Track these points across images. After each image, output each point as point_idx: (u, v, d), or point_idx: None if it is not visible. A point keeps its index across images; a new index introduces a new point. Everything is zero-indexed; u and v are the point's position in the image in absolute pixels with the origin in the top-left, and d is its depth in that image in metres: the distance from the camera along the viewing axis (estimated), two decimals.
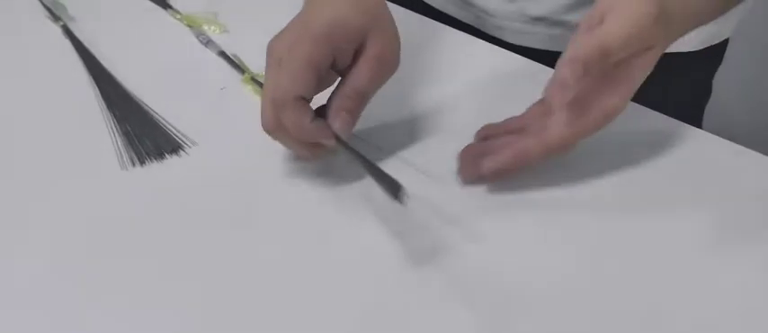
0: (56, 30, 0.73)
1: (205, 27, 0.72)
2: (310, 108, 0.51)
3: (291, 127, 0.51)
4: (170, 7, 0.75)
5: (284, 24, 0.53)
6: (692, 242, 0.50)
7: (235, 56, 0.67)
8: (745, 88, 1.43)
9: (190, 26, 0.72)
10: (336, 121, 0.52)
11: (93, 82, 0.65)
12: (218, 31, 0.71)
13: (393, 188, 0.47)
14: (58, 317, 0.46)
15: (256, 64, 0.65)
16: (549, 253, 0.49)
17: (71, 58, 0.69)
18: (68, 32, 0.72)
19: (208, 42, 0.70)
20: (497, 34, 0.76)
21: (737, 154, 0.57)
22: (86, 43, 0.70)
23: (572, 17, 0.73)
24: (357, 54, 0.53)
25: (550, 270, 0.48)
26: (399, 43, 0.54)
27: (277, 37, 0.53)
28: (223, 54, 0.68)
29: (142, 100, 0.63)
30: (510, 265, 0.48)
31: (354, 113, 0.53)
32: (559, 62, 0.47)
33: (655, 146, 0.57)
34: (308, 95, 0.51)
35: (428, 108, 0.61)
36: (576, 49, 0.47)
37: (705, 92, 0.84)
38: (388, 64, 0.54)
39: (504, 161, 0.52)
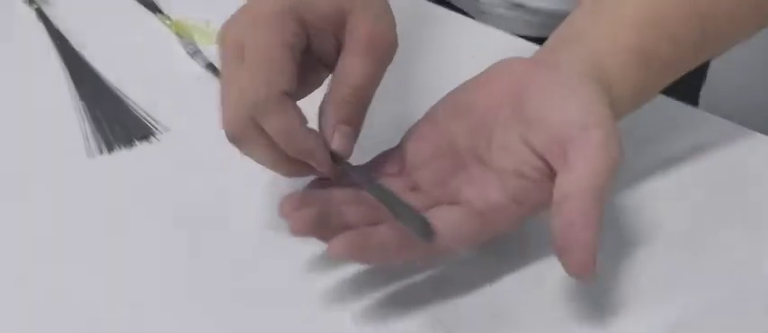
0: (29, 12, 0.71)
1: (196, 37, 0.65)
2: (299, 109, 0.42)
3: (278, 133, 0.41)
4: (159, 12, 0.69)
5: None
6: (687, 223, 0.48)
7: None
8: (742, 66, 1.41)
9: (179, 35, 0.66)
10: (334, 138, 0.43)
11: (65, 66, 0.63)
12: (208, 42, 0.65)
13: (417, 224, 0.40)
14: (21, 305, 0.44)
15: None
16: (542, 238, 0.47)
17: (43, 41, 0.66)
18: (42, 15, 0.70)
19: (195, 53, 0.64)
20: (481, 19, 0.74)
21: (735, 133, 0.55)
22: (60, 27, 0.68)
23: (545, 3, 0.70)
24: (341, 41, 0.44)
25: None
26: (393, 18, 0.45)
27: (229, 23, 0.44)
28: (212, 67, 0.61)
29: (115, 85, 0.61)
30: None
31: (355, 122, 0.43)
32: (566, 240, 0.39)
33: (652, 125, 0.55)
34: (291, 90, 0.42)
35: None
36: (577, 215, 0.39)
37: (701, 69, 0.81)
38: (383, 46, 0.44)
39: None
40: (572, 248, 0.38)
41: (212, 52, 0.63)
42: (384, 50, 0.44)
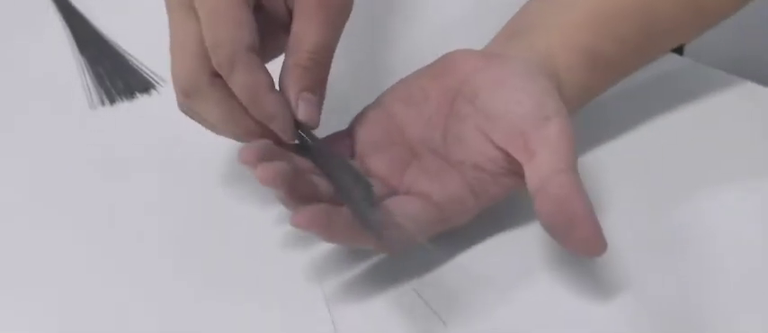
0: None
1: None
2: (266, 68, 0.41)
3: (245, 90, 0.40)
4: None
5: None
6: (674, 173, 0.50)
7: None
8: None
9: None
10: (300, 107, 0.41)
11: (66, 22, 0.64)
12: None
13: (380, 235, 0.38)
14: (23, 251, 0.46)
15: None
16: None
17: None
18: None
19: None
20: None
21: (720, 81, 0.56)
22: None
23: None
24: (290, 3, 0.43)
25: None
26: None
27: None
28: None
29: (114, 40, 0.62)
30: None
31: (318, 89, 0.42)
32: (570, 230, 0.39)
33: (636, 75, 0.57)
34: (256, 46, 0.40)
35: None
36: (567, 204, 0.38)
37: None
38: (334, 7, 0.42)
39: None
40: (572, 226, 0.38)
41: None
42: (336, 12, 0.42)
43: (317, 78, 0.42)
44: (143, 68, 0.59)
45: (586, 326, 0.41)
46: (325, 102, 0.43)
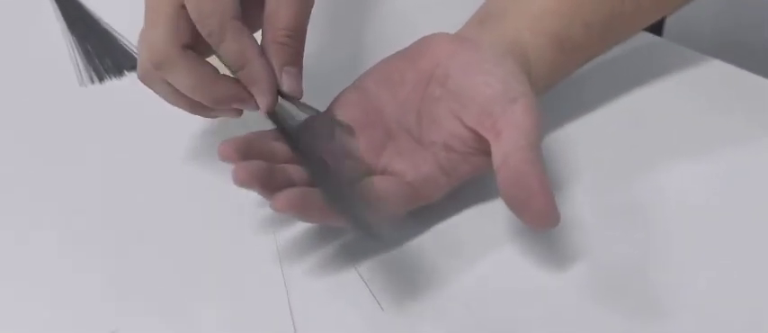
0: None
1: None
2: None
3: (235, 56, 0.43)
4: None
5: None
6: (652, 155, 0.52)
7: None
8: None
9: None
10: (284, 81, 0.44)
11: (55, 1, 0.66)
12: None
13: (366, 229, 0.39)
14: (11, 226, 0.48)
15: None
16: None
17: None
18: None
19: None
20: None
21: (698, 62, 0.58)
22: None
23: None
24: None
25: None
26: None
27: None
28: None
29: (102, 18, 0.64)
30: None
31: (297, 62, 0.45)
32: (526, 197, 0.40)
33: (615, 56, 0.59)
34: (240, 15, 0.42)
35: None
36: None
37: None
38: None
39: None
40: (528, 198, 0.39)
41: None
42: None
43: (294, 52, 0.44)
44: (131, 46, 0.61)
45: (546, 294, 0.43)
46: (307, 86, 0.45)
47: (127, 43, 0.61)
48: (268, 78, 0.43)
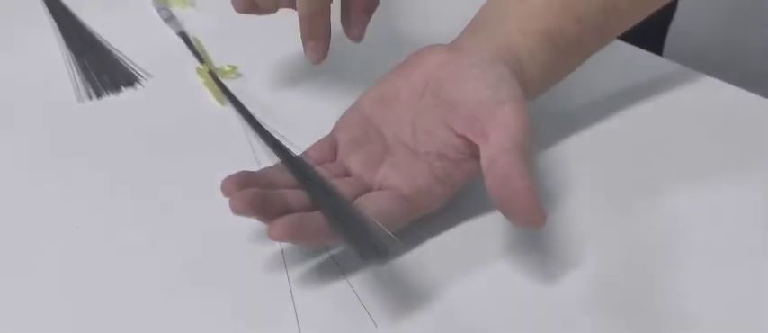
0: None
1: (171, 1, 0.68)
2: None
3: (306, 12, 0.49)
4: None
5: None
6: (639, 168, 0.52)
7: (195, 40, 0.63)
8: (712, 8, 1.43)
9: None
10: (354, 29, 0.52)
11: (53, 19, 0.66)
12: (182, 6, 0.68)
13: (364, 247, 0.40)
14: (15, 241, 0.48)
15: (219, 53, 0.62)
16: None
17: None
18: None
19: (169, 19, 0.65)
20: None
21: (698, 81, 0.59)
22: None
23: None
24: None
25: None
26: None
27: None
28: (183, 36, 0.63)
29: (100, 35, 0.64)
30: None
31: (367, 22, 0.53)
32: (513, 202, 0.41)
33: (615, 75, 0.59)
34: None
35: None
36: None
37: (670, 9, 0.85)
38: None
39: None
40: (513, 198, 0.40)
41: (186, 17, 0.66)
42: None
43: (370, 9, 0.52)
44: (127, 63, 0.61)
45: (539, 308, 0.43)
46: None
47: (123, 59, 0.61)
48: (326, 35, 0.51)
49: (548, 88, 0.50)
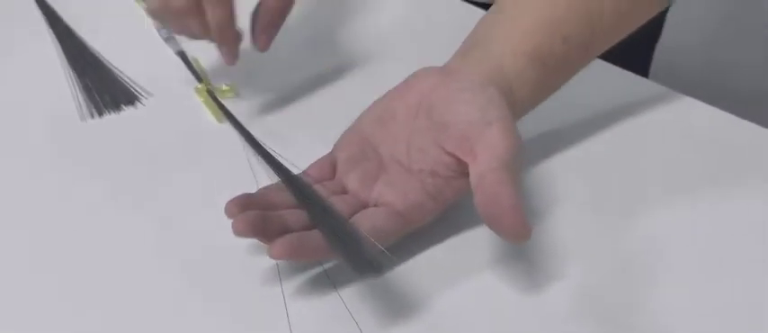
0: None
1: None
2: (233, 7, 0.56)
3: (215, 21, 0.55)
4: None
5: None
6: (632, 196, 0.54)
7: (194, 60, 0.65)
8: (700, 30, 1.46)
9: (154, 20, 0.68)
10: (260, 38, 0.56)
11: (57, 39, 0.68)
12: None
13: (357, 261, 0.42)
14: (21, 255, 0.49)
15: (217, 73, 0.64)
16: None
17: (36, 16, 0.72)
18: None
19: (168, 38, 0.67)
20: None
21: (678, 102, 0.61)
22: (51, 2, 0.73)
23: None
24: None
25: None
26: None
27: None
28: (182, 55, 0.65)
29: (102, 55, 0.66)
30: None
31: (274, 34, 0.57)
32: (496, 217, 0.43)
33: (601, 96, 0.61)
34: None
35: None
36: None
37: (656, 28, 0.87)
38: None
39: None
40: (500, 215, 0.42)
41: (185, 37, 0.68)
42: None
43: (276, 27, 0.57)
44: (128, 82, 0.63)
45: (525, 320, 0.44)
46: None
47: (124, 79, 0.63)
48: (235, 43, 0.57)
49: (537, 104, 0.52)
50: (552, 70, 0.51)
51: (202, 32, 0.56)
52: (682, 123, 0.59)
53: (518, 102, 0.49)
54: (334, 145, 0.51)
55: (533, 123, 0.53)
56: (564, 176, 0.54)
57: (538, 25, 0.50)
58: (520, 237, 0.42)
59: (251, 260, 0.48)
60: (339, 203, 0.47)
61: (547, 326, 0.44)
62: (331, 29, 0.57)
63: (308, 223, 0.45)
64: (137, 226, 0.51)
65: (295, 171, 0.50)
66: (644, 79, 0.65)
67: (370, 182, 0.48)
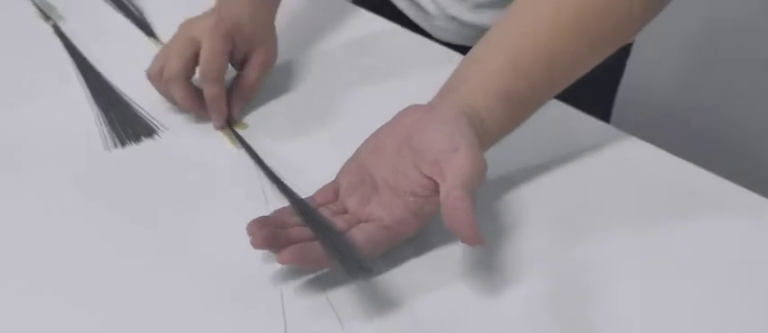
0: (47, 28, 0.84)
1: None
2: (224, 85, 0.70)
3: (210, 96, 0.69)
4: (153, 36, 0.84)
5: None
6: (564, 213, 0.63)
7: None
8: (662, 75, 1.54)
9: None
10: (235, 108, 0.71)
11: (81, 75, 0.76)
12: None
13: (349, 263, 0.53)
14: (48, 279, 0.57)
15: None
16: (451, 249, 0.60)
17: (61, 53, 0.80)
18: (58, 30, 0.83)
19: None
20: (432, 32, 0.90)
21: (637, 148, 0.69)
22: (74, 40, 0.81)
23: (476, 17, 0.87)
24: (248, 54, 0.73)
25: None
26: (276, 50, 0.75)
27: (192, 20, 0.72)
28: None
29: (123, 91, 0.74)
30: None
31: (246, 102, 0.73)
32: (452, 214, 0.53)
33: (562, 140, 0.70)
34: (224, 73, 0.70)
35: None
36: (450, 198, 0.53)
37: (618, 70, 0.97)
38: (267, 67, 0.74)
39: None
40: (459, 226, 0.52)
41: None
42: (267, 68, 0.74)
43: (247, 97, 0.73)
44: (147, 116, 0.71)
45: (492, 318, 0.53)
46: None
47: (144, 114, 0.71)
48: (223, 114, 0.71)
49: (506, 134, 0.62)
50: (517, 106, 0.61)
51: (183, 101, 0.70)
52: (630, 163, 0.67)
53: (489, 132, 0.59)
54: (338, 172, 0.61)
55: (504, 157, 0.63)
56: (528, 204, 0.62)
57: (505, 68, 0.60)
58: (474, 242, 0.52)
59: (260, 272, 0.56)
60: (339, 221, 0.56)
61: (503, 325, 0.53)
62: (334, 70, 0.67)
63: (312, 237, 0.55)
64: (159, 245, 0.59)
65: (301, 193, 0.59)
66: (602, 122, 0.73)
67: (365, 202, 0.58)
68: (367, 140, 0.61)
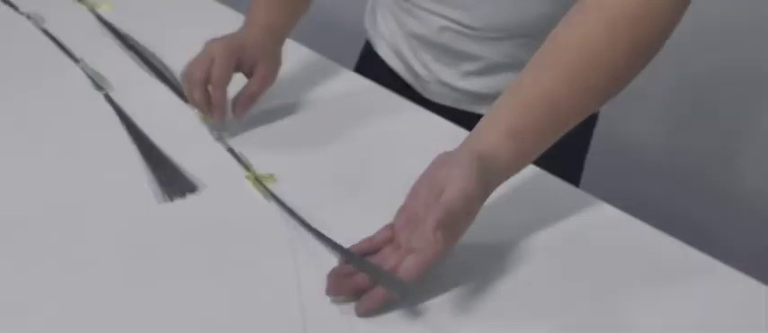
0: (99, 97, 0.97)
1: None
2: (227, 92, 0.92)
3: (215, 99, 0.90)
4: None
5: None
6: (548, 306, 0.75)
7: (241, 154, 0.88)
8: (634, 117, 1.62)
9: (205, 122, 0.94)
10: (236, 109, 0.92)
11: (133, 140, 0.89)
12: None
13: (394, 285, 0.68)
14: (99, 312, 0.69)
15: (260, 162, 0.87)
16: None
17: (113, 120, 0.93)
18: (110, 99, 0.96)
19: (219, 138, 0.91)
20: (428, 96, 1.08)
21: (606, 214, 0.81)
22: (125, 108, 0.95)
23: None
24: (253, 69, 0.93)
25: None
26: (279, 67, 0.96)
27: (214, 40, 0.92)
28: (231, 151, 0.89)
29: (170, 155, 0.87)
30: None
31: (248, 107, 0.93)
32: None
33: (531, 201, 0.82)
34: (228, 82, 0.91)
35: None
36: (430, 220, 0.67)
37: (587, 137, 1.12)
38: (270, 79, 0.94)
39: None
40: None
41: (232, 134, 0.92)
42: (269, 81, 0.94)
43: (248, 103, 0.93)
44: (188, 174, 0.84)
45: None
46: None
47: (185, 171, 0.85)
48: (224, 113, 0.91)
49: (518, 170, 0.75)
50: (526, 154, 0.74)
51: (199, 103, 0.90)
52: (599, 228, 0.80)
53: (501, 170, 0.72)
54: (395, 216, 0.73)
55: (490, 218, 0.75)
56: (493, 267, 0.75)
57: (514, 118, 0.73)
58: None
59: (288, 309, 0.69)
60: (393, 255, 0.70)
61: None
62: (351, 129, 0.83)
63: (371, 281, 0.69)
64: (208, 291, 0.71)
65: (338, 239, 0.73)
66: (576, 189, 0.86)
67: (409, 235, 0.70)
68: (412, 187, 0.73)
